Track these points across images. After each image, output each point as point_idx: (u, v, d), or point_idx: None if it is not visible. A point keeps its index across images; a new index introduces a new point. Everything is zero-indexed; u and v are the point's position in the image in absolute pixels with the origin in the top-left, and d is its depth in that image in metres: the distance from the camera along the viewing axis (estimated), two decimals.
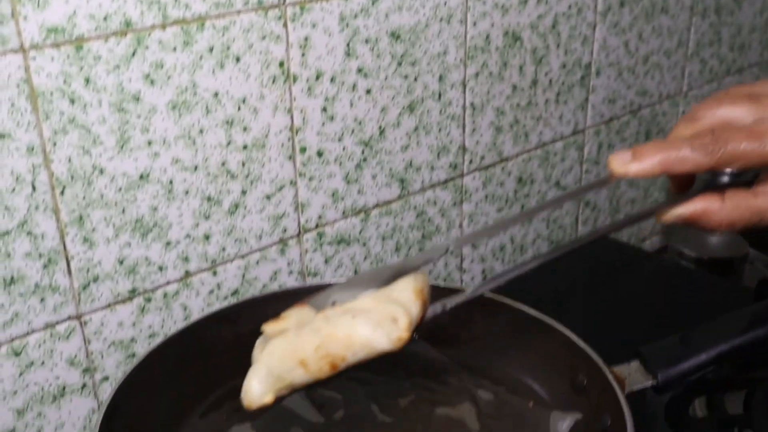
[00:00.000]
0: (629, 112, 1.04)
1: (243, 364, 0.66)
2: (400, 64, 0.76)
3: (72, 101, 0.58)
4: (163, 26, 0.61)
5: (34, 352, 0.62)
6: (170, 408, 0.62)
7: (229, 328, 0.66)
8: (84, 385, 0.66)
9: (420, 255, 0.57)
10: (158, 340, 0.64)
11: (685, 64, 1.09)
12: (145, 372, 0.60)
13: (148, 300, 0.68)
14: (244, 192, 0.70)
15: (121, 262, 0.65)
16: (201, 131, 0.65)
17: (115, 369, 0.67)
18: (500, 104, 0.87)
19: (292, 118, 0.71)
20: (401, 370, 0.68)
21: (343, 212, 0.78)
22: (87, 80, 0.58)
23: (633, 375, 0.60)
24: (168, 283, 0.68)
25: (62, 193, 0.60)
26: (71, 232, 0.61)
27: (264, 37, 0.66)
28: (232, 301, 0.73)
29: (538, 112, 0.92)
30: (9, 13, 0.54)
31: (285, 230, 0.74)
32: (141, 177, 0.63)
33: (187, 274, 0.69)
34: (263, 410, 0.62)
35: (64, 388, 0.65)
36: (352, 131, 0.75)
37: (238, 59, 0.65)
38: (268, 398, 0.53)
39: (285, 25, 0.67)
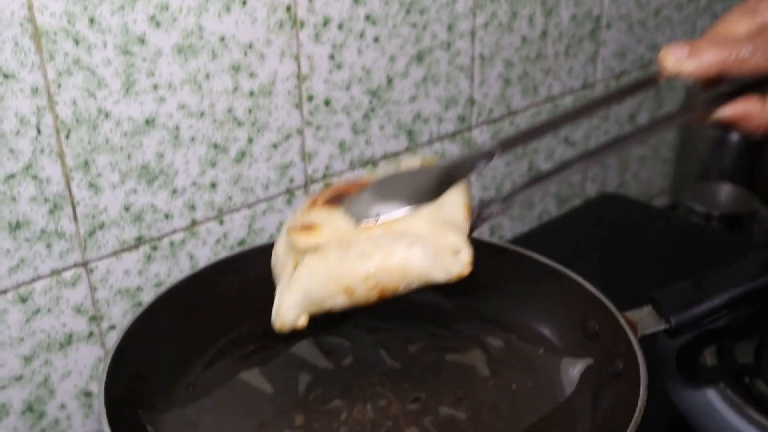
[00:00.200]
0: (639, 66, 1.02)
1: (250, 312, 0.66)
2: (408, 11, 0.75)
3: (76, 42, 0.57)
4: None
5: (41, 298, 0.62)
6: (177, 355, 0.61)
7: (236, 276, 0.66)
8: (91, 334, 0.66)
9: (462, 160, 0.53)
10: (163, 289, 0.64)
11: (696, 19, 1.08)
12: (152, 318, 0.60)
13: (155, 248, 0.67)
14: (250, 140, 0.69)
15: (127, 209, 0.64)
16: (207, 76, 0.64)
17: (121, 318, 0.67)
18: (509, 56, 0.86)
19: (299, 65, 0.70)
20: (410, 317, 0.67)
21: (351, 163, 0.77)
22: (91, 20, 0.57)
23: (645, 319, 0.59)
24: (174, 231, 0.68)
25: (67, 136, 0.59)
26: (76, 177, 0.60)
27: None
28: (238, 251, 0.72)
29: (548, 64, 0.91)
30: None
31: (292, 180, 0.73)
32: (147, 122, 0.62)
33: (194, 222, 0.69)
34: (271, 356, 0.63)
35: (70, 336, 0.64)
36: (360, 80, 0.74)
37: (244, 2, 0.64)
38: (301, 322, 0.50)
39: None
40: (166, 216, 0.67)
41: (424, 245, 0.47)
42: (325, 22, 0.70)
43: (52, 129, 0.58)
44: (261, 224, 0.73)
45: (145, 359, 0.59)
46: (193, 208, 0.68)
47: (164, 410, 0.57)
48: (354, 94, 0.74)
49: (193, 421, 0.56)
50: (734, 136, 1.05)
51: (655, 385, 0.53)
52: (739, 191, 1.02)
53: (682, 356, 0.66)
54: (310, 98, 0.72)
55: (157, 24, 0.60)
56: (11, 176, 0.57)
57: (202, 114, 0.65)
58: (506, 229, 0.96)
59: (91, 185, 0.61)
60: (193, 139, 0.66)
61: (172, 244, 0.68)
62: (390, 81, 0.77)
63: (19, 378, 0.62)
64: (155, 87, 0.62)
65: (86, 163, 0.60)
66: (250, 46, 0.66)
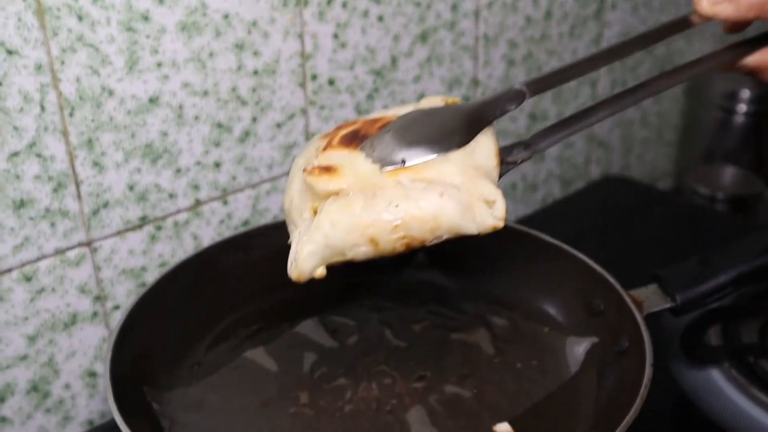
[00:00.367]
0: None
1: (255, 291, 0.66)
2: None
3: (80, 18, 0.56)
4: None
5: (45, 278, 0.62)
6: (182, 334, 0.62)
7: (241, 255, 0.66)
8: (95, 313, 0.66)
9: (491, 100, 0.49)
10: (168, 268, 0.63)
11: None
12: (158, 297, 0.60)
13: (159, 228, 0.67)
14: (254, 119, 0.69)
15: (131, 188, 0.64)
16: (211, 54, 0.64)
17: (125, 298, 0.67)
18: (513, 36, 0.86)
19: (303, 43, 0.69)
20: (414, 297, 0.67)
21: None
22: None
23: (651, 298, 0.59)
24: (178, 211, 0.67)
25: (71, 114, 0.59)
26: (80, 156, 0.60)
27: None
28: (244, 230, 0.72)
29: (552, 45, 0.90)
30: None
31: None
32: (150, 100, 0.62)
33: (198, 202, 0.68)
34: (276, 335, 0.63)
35: (75, 316, 0.64)
36: (364, 59, 0.74)
37: None
38: (320, 272, 0.47)
39: None
40: (170, 196, 0.66)
41: (457, 195, 0.44)
42: (329, 0, 0.69)
43: (56, 106, 0.58)
44: (265, 204, 0.73)
45: (151, 338, 0.59)
46: (197, 187, 0.68)
47: (169, 388, 0.57)
48: (358, 74, 0.74)
49: (198, 399, 0.56)
50: (738, 118, 1.05)
51: (660, 364, 0.53)
52: (743, 173, 1.02)
53: (687, 336, 0.66)
54: (314, 77, 0.71)
55: (161, 1, 0.60)
56: (15, 154, 0.57)
57: (206, 93, 0.65)
58: (510, 211, 0.95)
59: (95, 164, 0.61)
60: (197, 118, 0.65)
61: (176, 224, 0.68)
62: (394, 61, 0.76)
63: (24, 357, 0.62)
64: (159, 65, 0.62)
65: (90, 141, 0.60)
66: (254, 24, 0.66)
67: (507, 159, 0.49)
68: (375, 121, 0.50)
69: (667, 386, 0.63)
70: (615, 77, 1.00)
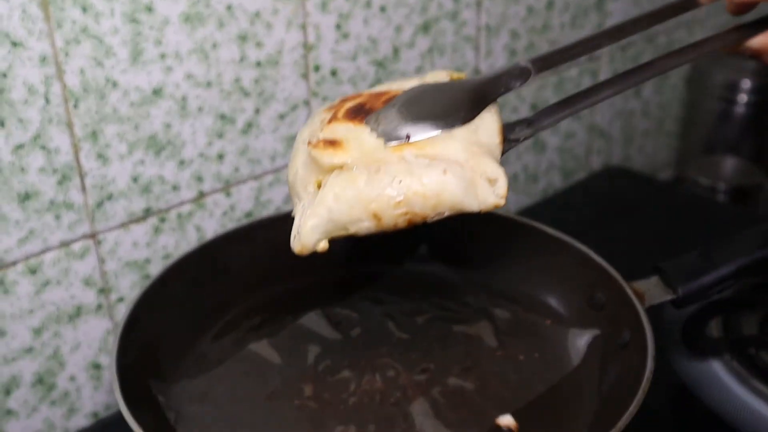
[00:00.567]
0: (645, 38, 1.02)
1: (258, 283, 0.67)
2: None
3: (84, 9, 0.56)
4: None
5: (50, 270, 0.62)
6: (187, 326, 0.62)
7: (245, 247, 0.66)
8: (99, 306, 0.66)
9: (496, 77, 0.48)
10: (173, 260, 0.64)
11: None
12: (163, 289, 0.60)
13: (162, 220, 0.67)
14: (257, 110, 0.69)
15: (135, 180, 0.64)
16: (214, 46, 0.64)
17: (129, 290, 0.67)
18: (515, 26, 0.86)
19: (305, 34, 0.69)
20: (417, 290, 0.68)
21: None
22: None
23: (652, 290, 0.59)
24: (182, 203, 0.68)
25: (75, 106, 0.59)
26: (85, 148, 0.60)
27: None
28: (246, 222, 0.72)
29: (553, 35, 0.90)
30: None
31: None
32: (154, 92, 0.62)
33: (201, 194, 0.68)
34: (279, 327, 0.63)
35: (79, 308, 0.65)
36: (366, 50, 0.74)
37: None
38: (322, 245, 0.47)
39: None
40: (174, 187, 0.66)
41: (460, 172, 0.45)
42: None
43: (60, 98, 0.58)
44: (268, 196, 0.73)
45: (156, 330, 0.59)
46: (200, 179, 0.68)
47: (174, 380, 0.57)
48: (360, 65, 0.74)
49: (203, 392, 0.57)
50: (739, 108, 1.05)
51: (661, 356, 0.53)
52: (744, 164, 1.02)
53: (688, 327, 0.67)
54: (317, 68, 0.71)
55: None
56: (20, 146, 0.57)
57: (209, 84, 0.65)
58: (511, 202, 0.96)
59: (100, 156, 0.61)
60: (200, 109, 0.65)
61: (179, 215, 0.68)
62: (396, 51, 0.76)
63: (30, 350, 0.62)
64: (162, 56, 0.61)
65: (94, 133, 0.60)
66: (257, 15, 0.65)
67: (510, 136, 0.49)
68: (380, 94, 0.50)
69: (668, 378, 0.63)
70: (616, 67, 1.00)
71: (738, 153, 1.04)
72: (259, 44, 0.66)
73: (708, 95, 1.07)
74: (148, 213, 0.66)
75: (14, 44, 0.54)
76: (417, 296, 0.67)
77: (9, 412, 0.63)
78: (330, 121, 0.49)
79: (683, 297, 0.58)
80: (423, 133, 0.46)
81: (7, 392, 0.62)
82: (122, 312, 0.67)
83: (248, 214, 0.72)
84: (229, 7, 0.63)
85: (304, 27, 0.69)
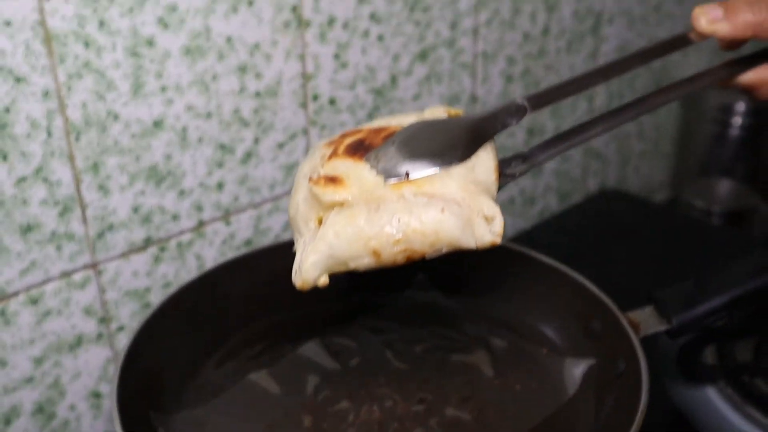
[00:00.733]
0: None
1: (258, 312, 0.67)
2: (412, 9, 0.75)
3: (86, 44, 0.57)
4: None
5: (51, 300, 0.62)
6: (188, 355, 0.62)
7: (245, 276, 0.66)
8: (100, 335, 0.66)
9: (493, 114, 0.49)
10: (173, 290, 0.64)
11: None
12: (163, 319, 0.61)
13: (163, 249, 0.68)
14: (256, 140, 0.69)
15: (135, 211, 0.65)
16: (214, 77, 0.65)
17: (130, 319, 0.68)
18: (511, 53, 0.86)
19: (304, 64, 0.70)
20: (415, 318, 0.68)
21: None
22: (101, 23, 0.57)
23: (647, 320, 0.59)
24: (182, 232, 0.68)
25: (77, 139, 0.59)
26: (86, 180, 0.61)
27: None
28: (246, 251, 0.73)
29: (549, 60, 0.91)
30: None
31: None
32: (155, 124, 0.63)
33: (201, 223, 0.69)
34: (279, 356, 0.63)
35: (80, 338, 0.65)
36: (364, 79, 0.75)
37: (251, 3, 0.64)
38: (323, 281, 0.48)
39: None
40: (174, 217, 0.67)
41: (457, 210, 0.46)
42: (330, 22, 0.70)
43: (62, 132, 0.58)
44: (267, 224, 0.73)
45: (156, 359, 0.59)
46: (200, 208, 0.68)
47: (175, 411, 0.58)
48: (358, 93, 0.75)
49: (202, 422, 0.57)
50: (734, 131, 1.06)
51: (656, 383, 0.54)
52: (739, 187, 1.03)
53: (683, 355, 0.67)
54: (315, 97, 0.72)
55: (166, 26, 0.61)
56: (23, 179, 0.58)
57: (209, 115, 0.66)
58: (508, 225, 0.96)
59: (101, 187, 0.62)
60: (200, 140, 0.66)
61: (179, 245, 0.68)
62: (394, 79, 0.77)
63: (30, 380, 0.63)
64: (163, 89, 0.62)
65: (96, 165, 0.61)
66: (257, 46, 0.66)
67: (505, 172, 0.50)
68: (379, 130, 0.51)
69: (664, 404, 0.64)
70: (612, 90, 1.01)
71: (733, 175, 1.04)
72: (258, 75, 0.67)
73: (703, 117, 1.08)
74: (148, 242, 0.66)
75: (17, 80, 0.55)
76: (416, 325, 0.67)
77: None
78: (330, 157, 0.50)
79: (677, 327, 0.59)
80: (422, 171, 0.47)
81: (8, 422, 0.63)
82: (123, 341, 0.67)
83: (248, 242, 0.73)
84: (228, 40, 0.64)
85: (302, 57, 0.69)
